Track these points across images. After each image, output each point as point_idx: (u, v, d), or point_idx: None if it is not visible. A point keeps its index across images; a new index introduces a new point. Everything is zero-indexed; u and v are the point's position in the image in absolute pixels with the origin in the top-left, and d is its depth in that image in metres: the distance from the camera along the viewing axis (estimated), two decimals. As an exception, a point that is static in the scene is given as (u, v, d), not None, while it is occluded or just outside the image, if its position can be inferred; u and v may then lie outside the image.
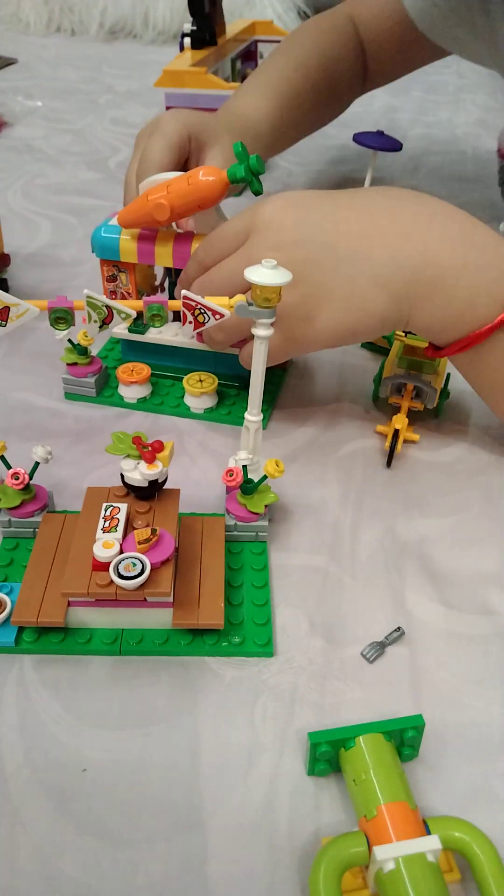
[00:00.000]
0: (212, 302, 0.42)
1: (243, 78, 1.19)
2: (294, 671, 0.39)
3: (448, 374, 0.57)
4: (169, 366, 0.59)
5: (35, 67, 1.59)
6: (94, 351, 0.60)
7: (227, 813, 0.33)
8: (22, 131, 1.18)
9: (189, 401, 0.57)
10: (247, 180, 0.48)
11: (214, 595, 0.39)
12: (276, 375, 0.60)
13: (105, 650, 0.39)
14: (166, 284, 0.61)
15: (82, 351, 0.56)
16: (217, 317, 0.43)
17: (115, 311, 0.43)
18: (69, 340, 0.56)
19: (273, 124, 0.71)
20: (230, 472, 0.43)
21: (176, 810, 0.33)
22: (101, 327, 0.45)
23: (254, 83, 0.74)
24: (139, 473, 0.40)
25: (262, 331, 0.41)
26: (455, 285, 0.44)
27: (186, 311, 0.43)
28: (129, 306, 0.45)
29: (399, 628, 0.41)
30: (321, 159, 1.10)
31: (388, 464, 0.52)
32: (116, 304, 0.44)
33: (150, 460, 0.40)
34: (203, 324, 0.43)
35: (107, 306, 0.43)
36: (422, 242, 0.45)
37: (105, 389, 0.58)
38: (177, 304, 0.45)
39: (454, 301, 0.45)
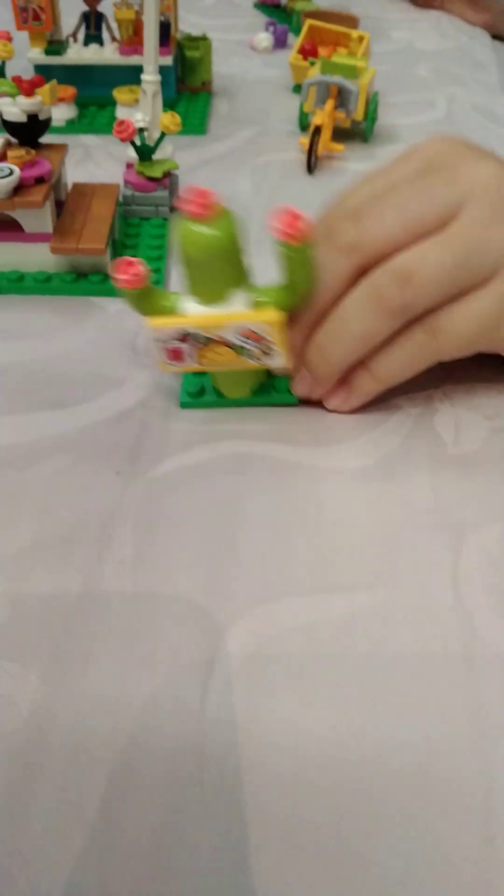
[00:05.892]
0: None
1: None
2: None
3: (376, 95, 0.54)
4: (96, 95, 0.55)
5: None
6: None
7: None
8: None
9: (122, 114, 0.53)
10: None
11: (99, 228, 0.37)
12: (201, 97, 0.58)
13: (-20, 288, 0.36)
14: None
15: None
16: None
17: None
18: None
19: None
20: (121, 123, 0.40)
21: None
22: None
23: None
24: (17, 107, 0.36)
25: None
26: None
27: None
28: None
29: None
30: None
31: (309, 168, 0.49)
32: None
33: (29, 92, 0.37)
34: None
35: None
36: None
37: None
38: None
39: None
